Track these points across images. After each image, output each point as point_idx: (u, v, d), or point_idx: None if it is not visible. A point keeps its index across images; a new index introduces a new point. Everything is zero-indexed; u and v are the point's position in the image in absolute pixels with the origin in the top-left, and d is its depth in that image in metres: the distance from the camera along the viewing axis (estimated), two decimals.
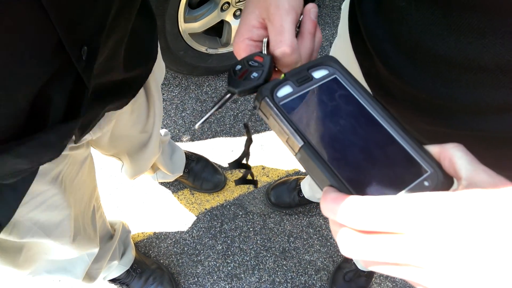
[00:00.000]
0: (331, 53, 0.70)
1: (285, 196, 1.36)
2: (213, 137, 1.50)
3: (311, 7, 0.36)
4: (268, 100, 0.31)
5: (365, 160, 0.28)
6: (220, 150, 1.48)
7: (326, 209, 0.25)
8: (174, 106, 1.52)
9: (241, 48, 0.37)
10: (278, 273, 1.32)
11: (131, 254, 1.17)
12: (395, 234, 0.22)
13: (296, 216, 1.40)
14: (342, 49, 0.61)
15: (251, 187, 1.43)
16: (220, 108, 0.36)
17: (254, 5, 0.36)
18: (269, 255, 1.34)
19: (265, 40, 0.36)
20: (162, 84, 1.55)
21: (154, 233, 1.34)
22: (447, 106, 0.39)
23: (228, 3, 1.28)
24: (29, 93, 0.39)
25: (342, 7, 0.62)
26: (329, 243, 1.38)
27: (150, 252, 1.32)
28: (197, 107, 1.53)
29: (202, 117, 0.36)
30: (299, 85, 0.32)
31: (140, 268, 1.22)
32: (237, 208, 1.40)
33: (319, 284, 1.32)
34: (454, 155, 0.26)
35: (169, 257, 1.31)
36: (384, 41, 0.42)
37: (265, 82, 0.35)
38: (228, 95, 0.36)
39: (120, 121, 0.71)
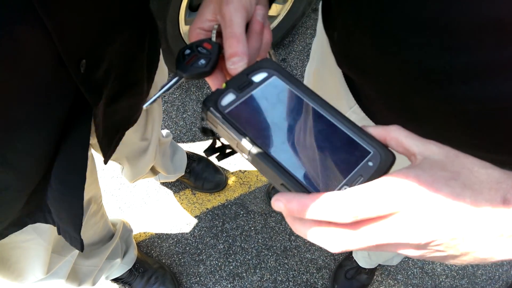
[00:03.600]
0: (312, 52, 0.73)
1: None
2: None
3: (258, 9, 0.38)
4: (213, 110, 0.32)
5: (311, 151, 0.30)
6: None
7: (296, 211, 0.26)
8: (175, 108, 1.54)
9: (192, 36, 0.39)
10: (280, 272, 1.32)
11: (133, 254, 1.17)
12: (384, 217, 0.25)
13: None
14: (318, 45, 0.64)
15: (252, 186, 1.44)
16: (168, 91, 0.37)
17: (209, 0, 0.38)
18: (270, 254, 1.35)
19: (215, 27, 0.38)
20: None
21: (156, 233, 1.35)
22: (417, 72, 0.39)
23: None
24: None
25: (320, 7, 0.65)
26: None
27: (152, 252, 1.32)
28: (197, 108, 1.55)
29: (150, 98, 0.37)
30: (240, 91, 0.34)
31: (143, 268, 1.22)
32: (238, 208, 1.41)
33: (321, 282, 1.32)
34: (399, 135, 0.29)
35: (171, 257, 1.32)
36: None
37: (211, 70, 0.37)
38: (176, 79, 0.37)
39: None
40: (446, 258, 0.26)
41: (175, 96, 1.56)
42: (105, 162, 0.64)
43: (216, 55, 0.37)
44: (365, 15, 0.40)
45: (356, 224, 0.25)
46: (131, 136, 0.80)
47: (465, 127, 0.39)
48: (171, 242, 1.34)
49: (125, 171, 1.03)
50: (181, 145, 1.47)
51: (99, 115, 0.50)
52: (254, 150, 0.30)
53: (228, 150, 0.42)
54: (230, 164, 1.49)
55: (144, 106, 0.38)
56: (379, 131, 0.30)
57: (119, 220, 1.13)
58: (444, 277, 1.38)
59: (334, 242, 0.26)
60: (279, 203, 0.27)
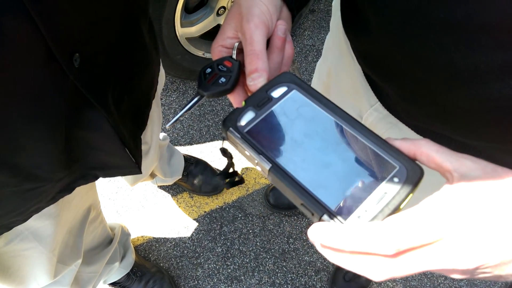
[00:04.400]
0: (324, 50, 0.72)
1: (284, 197, 1.37)
2: (211, 140, 1.51)
3: (279, 24, 0.38)
4: (232, 130, 0.32)
5: (333, 168, 0.29)
6: (219, 153, 1.49)
7: (333, 243, 0.25)
8: (172, 111, 1.53)
9: (214, 54, 0.39)
10: (278, 275, 1.32)
11: (131, 257, 1.17)
12: (428, 245, 0.24)
13: (295, 217, 1.40)
14: (334, 43, 0.62)
15: (250, 189, 1.44)
16: (190, 110, 0.38)
17: (230, 17, 0.39)
18: (268, 257, 1.34)
19: (235, 44, 0.38)
20: (163, 90, 1.57)
21: (154, 236, 1.34)
22: (447, 72, 0.38)
23: (224, 7, 1.30)
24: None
25: (333, 3, 0.64)
26: None
27: (150, 255, 1.32)
28: (195, 111, 1.54)
29: (173, 118, 0.38)
30: (259, 108, 0.33)
31: (140, 272, 1.21)
32: (236, 210, 1.40)
33: (319, 284, 1.32)
34: (430, 150, 0.28)
35: (169, 260, 1.31)
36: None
37: (232, 87, 0.37)
38: (197, 98, 0.37)
39: None
40: (491, 277, 0.26)
41: (172, 99, 1.56)
42: (139, 170, 0.63)
43: (236, 73, 0.37)
44: (391, 16, 0.39)
45: (399, 253, 0.24)
46: None
47: (499, 123, 0.38)
48: (169, 245, 1.33)
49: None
50: (178, 148, 1.46)
51: (115, 119, 0.50)
52: (273, 169, 0.29)
53: (237, 179, 0.42)
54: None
55: (167, 126, 0.39)
56: (407, 145, 0.29)
57: (117, 224, 1.12)
58: (443, 278, 1.38)
59: (377, 272, 0.24)
60: (314, 236, 0.26)
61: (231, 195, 1.43)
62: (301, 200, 0.28)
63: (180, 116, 0.38)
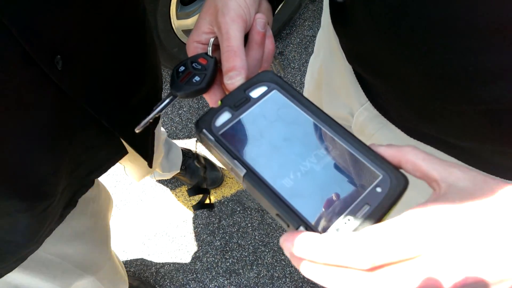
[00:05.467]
0: (316, 46, 0.70)
1: None
2: None
3: (258, 17, 0.35)
4: (206, 131, 0.30)
5: (314, 177, 0.27)
6: None
7: (306, 254, 0.23)
8: (171, 104, 1.53)
9: (189, 50, 0.37)
10: (277, 268, 1.32)
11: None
12: (406, 261, 0.22)
13: None
14: (326, 39, 0.61)
15: None
16: (161, 111, 0.35)
17: (205, 11, 0.36)
18: (267, 250, 1.34)
19: (211, 40, 0.36)
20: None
21: (153, 230, 1.35)
22: (435, 73, 0.37)
23: None
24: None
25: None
26: None
27: (148, 249, 1.33)
28: (193, 104, 1.53)
29: (142, 120, 0.35)
30: (236, 109, 0.31)
31: None
32: (235, 204, 1.40)
33: None
34: (416, 158, 0.26)
35: (168, 254, 1.32)
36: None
37: (207, 86, 0.35)
38: (169, 98, 0.35)
39: None
40: None
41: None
42: (150, 165, 0.62)
43: (212, 71, 0.35)
44: (379, 12, 0.37)
45: (376, 268, 0.22)
46: None
47: (491, 125, 0.36)
48: (167, 239, 1.34)
49: (130, 171, 1.01)
50: (176, 141, 1.46)
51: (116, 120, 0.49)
52: (248, 176, 0.27)
53: (207, 202, 0.40)
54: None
55: (137, 130, 0.36)
56: (391, 152, 0.27)
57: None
58: None
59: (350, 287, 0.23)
60: (287, 243, 0.24)
61: (229, 189, 1.43)
62: (276, 210, 0.26)
63: (151, 119, 0.36)
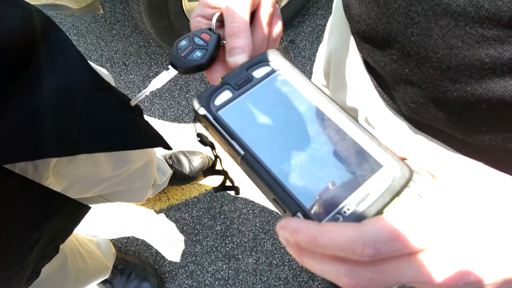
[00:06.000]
0: (326, 34, 0.68)
1: None
2: None
3: None
4: (204, 110, 0.29)
5: (314, 163, 0.26)
6: None
7: (304, 242, 0.22)
8: (178, 87, 1.52)
9: (193, 25, 0.35)
10: (276, 256, 1.33)
11: (111, 252, 1.15)
12: (412, 254, 0.21)
13: None
14: (336, 26, 0.59)
15: None
16: (159, 86, 0.34)
17: None
18: (267, 238, 1.35)
19: (216, 15, 0.34)
20: (168, 65, 1.55)
21: (155, 211, 1.36)
22: (448, 63, 0.35)
23: None
24: None
25: None
26: None
27: (150, 229, 1.34)
28: (201, 88, 1.53)
29: (139, 93, 0.34)
30: (238, 88, 0.30)
31: (121, 265, 1.20)
32: None
33: None
34: (422, 149, 0.25)
35: (169, 235, 1.34)
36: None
37: (208, 63, 0.33)
38: (167, 72, 0.34)
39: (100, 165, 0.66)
40: None
41: (178, 75, 1.54)
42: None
43: (214, 47, 0.33)
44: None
45: (375, 261, 0.21)
46: (105, 169, 0.71)
47: (502, 120, 0.35)
48: (169, 221, 1.35)
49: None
50: (182, 125, 1.46)
51: None
52: (246, 157, 0.26)
53: (228, 184, 0.37)
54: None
55: (132, 103, 0.34)
56: (397, 143, 0.26)
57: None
58: None
59: (349, 280, 0.22)
60: (284, 231, 0.23)
61: (233, 175, 1.43)
62: (273, 194, 0.25)
63: (147, 92, 0.34)
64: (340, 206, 0.24)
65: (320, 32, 1.66)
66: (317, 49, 1.62)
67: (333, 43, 0.62)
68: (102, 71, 0.70)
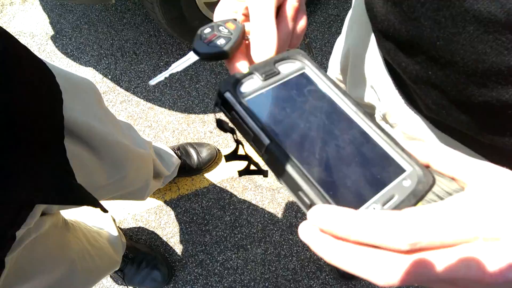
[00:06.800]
0: (344, 28, 0.67)
1: None
2: None
3: None
4: (229, 95, 0.28)
5: (338, 160, 0.26)
6: None
7: (338, 228, 0.21)
8: (188, 78, 1.52)
9: (217, 16, 0.35)
10: (284, 247, 1.34)
11: (121, 241, 1.17)
12: (457, 244, 0.20)
13: None
14: (356, 22, 0.58)
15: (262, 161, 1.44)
16: (180, 70, 0.34)
17: None
18: (276, 229, 1.36)
19: (242, 7, 0.34)
20: (178, 55, 1.55)
21: (165, 201, 1.38)
22: (474, 69, 0.35)
23: None
24: None
25: None
26: None
27: (160, 219, 1.36)
28: (211, 79, 1.52)
29: (159, 74, 0.34)
30: (265, 79, 0.30)
31: (132, 253, 1.22)
32: (247, 182, 1.41)
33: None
34: (445, 156, 0.25)
35: (179, 225, 1.36)
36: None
37: (231, 51, 0.33)
38: (190, 57, 0.34)
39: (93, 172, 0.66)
40: None
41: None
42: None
43: (237, 37, 0.33)
44: None
45: (413, 252, 0.20)
46: (98, 178, 0.71)
47: None
48: (179, 211, 1.37)
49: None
50: (192, 116, 1.46)
51: None
52: (272, 146, 0.26)
53: (253, 167, 0.37)
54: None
55: (151, 83, 0.34)
56: (420, 149, 0.26)
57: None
58: None
59: (382, 272, 0.20)
60: (318, 217, 0.22)
61: (242, 167, 1.43)
62: (301, 185, 0.24)
63: (167, 74, 0.34)
64: (366, 204, 0.24)
65: (331, 22, 1.64)
66: (328, 40, 1.60)
67: (351, 39, 0.61)
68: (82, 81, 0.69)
